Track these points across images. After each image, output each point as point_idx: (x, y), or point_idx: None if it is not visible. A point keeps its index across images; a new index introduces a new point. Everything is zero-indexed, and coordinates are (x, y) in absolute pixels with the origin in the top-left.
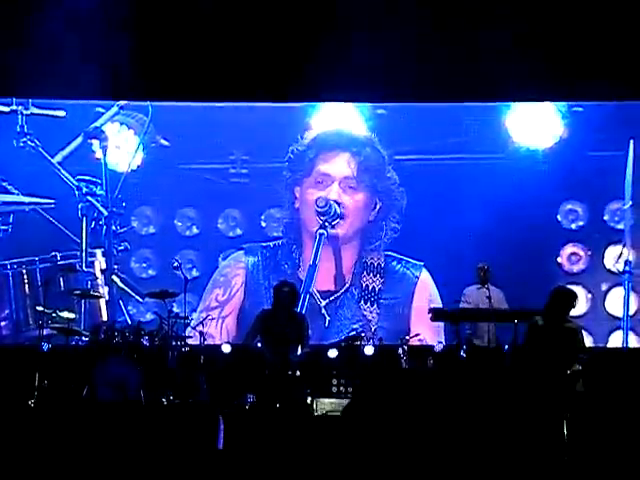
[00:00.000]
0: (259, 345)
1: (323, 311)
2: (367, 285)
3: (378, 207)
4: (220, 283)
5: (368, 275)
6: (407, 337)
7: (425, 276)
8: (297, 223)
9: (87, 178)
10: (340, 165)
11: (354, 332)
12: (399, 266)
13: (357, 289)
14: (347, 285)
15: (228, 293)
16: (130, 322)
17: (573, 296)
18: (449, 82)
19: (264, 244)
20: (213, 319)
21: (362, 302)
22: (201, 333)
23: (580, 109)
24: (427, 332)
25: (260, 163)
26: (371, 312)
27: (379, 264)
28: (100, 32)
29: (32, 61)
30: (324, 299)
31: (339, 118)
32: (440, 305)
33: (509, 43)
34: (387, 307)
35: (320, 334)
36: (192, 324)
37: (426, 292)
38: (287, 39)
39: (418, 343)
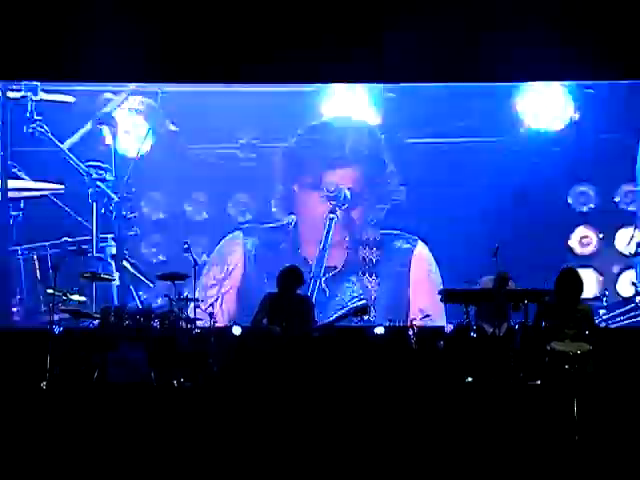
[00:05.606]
0: None
1: (323, 285)
2: (364, 257)
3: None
4: (217, 261)
5: (364, 249)
6: (417, 318)
7: (421, 248)
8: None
9: (97, 164)
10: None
11: (356, 299)
12: (395, 240)
13: (355, 263)
14: (344, 261)
15: (225, 271)
16: (141, 306)
17: (580, 277)
18: (457, 63)
19: (262, 226)
20: (216, 299)
21: (361, 274)
22: (210, 315)
23: (591, 91)
24: (428, 305)
25: (269, 147)
26: (370, 282)
27: (374, 238)
28: (109, 16)
29: (42, 44)
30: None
31: (348, 103)
32: (438, 276)
33: (520, 23)
34: (385, 278)
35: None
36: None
37: (424, 263)
38: (291, 22)
39: (428, 324)
